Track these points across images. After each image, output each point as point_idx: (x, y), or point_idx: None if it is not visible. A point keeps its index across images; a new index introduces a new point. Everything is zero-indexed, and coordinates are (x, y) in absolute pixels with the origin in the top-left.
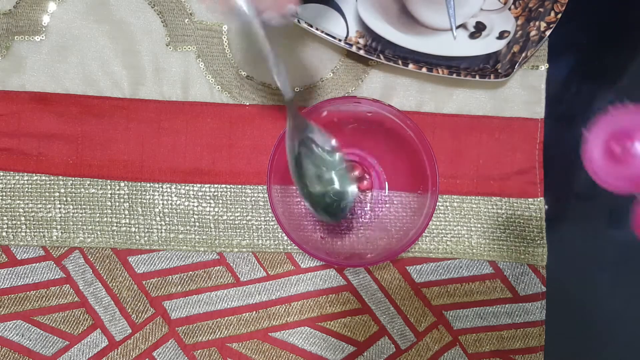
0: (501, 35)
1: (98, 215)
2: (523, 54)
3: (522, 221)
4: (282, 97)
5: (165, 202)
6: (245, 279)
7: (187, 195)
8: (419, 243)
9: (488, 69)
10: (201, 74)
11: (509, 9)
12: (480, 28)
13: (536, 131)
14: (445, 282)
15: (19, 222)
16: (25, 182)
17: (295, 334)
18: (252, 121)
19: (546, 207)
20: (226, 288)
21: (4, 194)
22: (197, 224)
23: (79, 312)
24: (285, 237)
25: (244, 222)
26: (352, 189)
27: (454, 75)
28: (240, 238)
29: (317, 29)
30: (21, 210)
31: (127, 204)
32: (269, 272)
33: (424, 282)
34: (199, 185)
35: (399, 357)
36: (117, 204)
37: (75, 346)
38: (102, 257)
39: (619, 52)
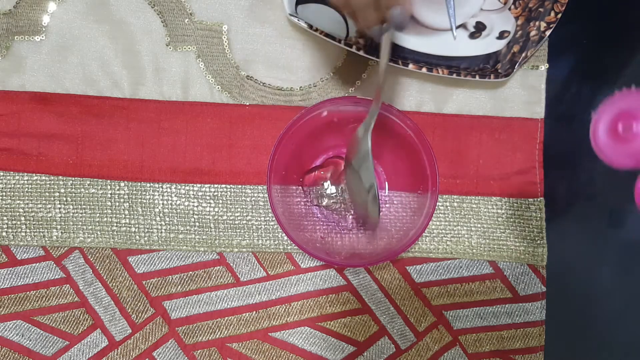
0: (501, 35)
1: (98, 215)
2: (523, 54)
3: (522, 221)
4: (281, 97)
5: (165, 202)
6: (245, 279)
7: (187, 195)
8: (419, 243)
9: (488, 69)
10: (201, 74)
11: (509, 9)
12: (480, 28)
13: (536, 131)
14: (445, 282)
15: (19, 222)
16: (25, 182)
17: (295, 334)
18: (252, 121)
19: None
20: (226, 288)
21: (4, 194)
22: (197, 224)
23: (79, 312)
24: (285, 237)
25: (244, 222)
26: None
27: (454, 75)
28: (240, 238)
29: (317, 29)
30: (21, 210)
31: (127, 204)
32: (269, 272)
33: (424, 282)
34: (199, 185)
35: (399, 357)
36: (117, 204)
37: (75, 346)
38: (102, 257)
39: (619, 52)
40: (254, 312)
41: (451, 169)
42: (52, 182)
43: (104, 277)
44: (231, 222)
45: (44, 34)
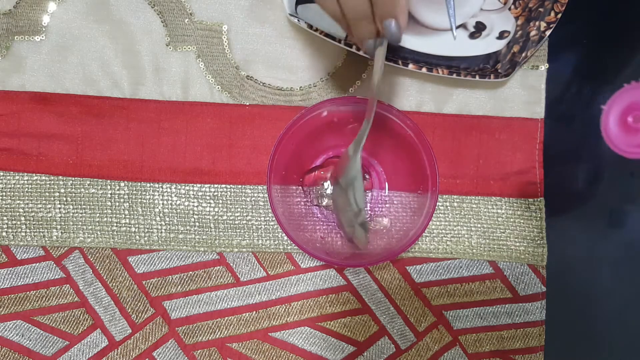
0: (501, 35)
1: (98, 215)
2: (523, 54)
3: (522, 221)
4: (281, 97)
5: (165, 202)
6: (245, 279)
7: (187, 195)
8: (419, 243)
9: (488, 69)
10: (201, 74)
11: (509, 9)
12: (480, 28)
13: (536, 131)
14: (445, 282)
15: (19, 222)
16: (25, 182)
17: (295, 334)
18: (252, 121)
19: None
20: (226, 288)
21: (4, 194)
22: (197, 224)
23: (79, 312)
24: (285, 237)
25: (244, 222)
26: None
27: (454, 75)
28: (240, 238)
29: (317, 30)
30: (21, 210)
31: (127, 204)
32: (269, 272)
33: (424, 282)
34: (199, 185)
35: (399, 357)
36: (117, 204)
37: (75, 346)
38: (102, 257)
39: (619, 52)
40: (254, 312)
41: (451, 169)
42: (52, 182)
43: (104, 277)
44: (231, 222)
45: (44, 34)
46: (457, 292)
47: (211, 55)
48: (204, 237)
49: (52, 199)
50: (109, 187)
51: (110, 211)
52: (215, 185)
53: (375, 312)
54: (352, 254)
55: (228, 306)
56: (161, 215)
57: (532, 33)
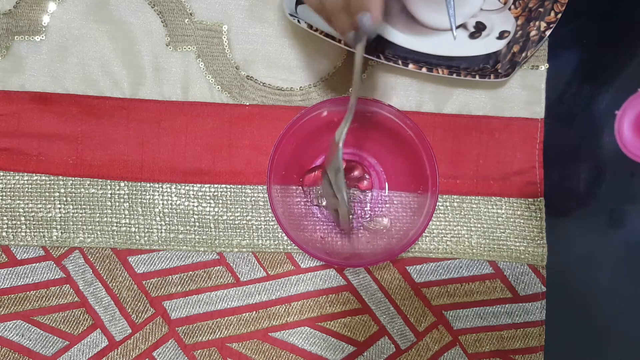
0: (501, 35)
1: (98, 215)
2: (523, 54)
3: (522, 221)
4: (281, 97)
5: (165, 202)
6: (245, 279)
7: (187, 195)
8: (419, 243)
9: (488, 69)
10: (201, 74)
11: (509, 9)
12: (480, 28)
13: (536, 131)
14: (445, 282)
15: (19, 222)
16: (25, 182)
17: (295, 334)
18: (252, 121)
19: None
20: (226, 288)
21: (4, 194)
22: (197, 224)
23: (79, 312)
24: (285, 237)
25: (244, 222)
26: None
27: (454, 75)
28: (240, 238)
29: (317, 30)
30: (21, 210)
31: (127, 204)
32: (269, 272)
33: (424, 282)
34: (199, 185)
35: (399, 357)
36: (117, 204)
37: (75, 346)
38: (102, 257)
39: (619, 52)
40: (254, 312)
41: (451, 169)
42: (52, 182)
43: (104, 277)
44: (231, 222)
45: (44, 34)
46: (457, 292)
47: (211, 55)
48: (204, 237)
49: (52, 199)
50: (109, 187)
51: (110, 211)
52: (215, 185)
53: (375, 312)
54: (352, 254)
55: (228, 306)
56: (161, 215)
57: (532, 33)
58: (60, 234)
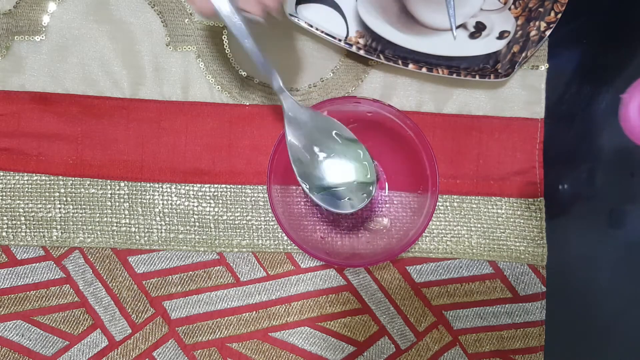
0: (501, 35)
1: (98, 215)
2: (523, 54)
3: (522, 221)
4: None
5: (165, 202)
6: (245, 279)
7: (187, 195)
8: (419, 243)
9: (488, 69)
10: (201, 74)
11: (509, 9)
12: (480, 28)
13: (536, 131)
14: (445, 282)
15: (19, 222)
16: (25, 182)
17: (295, 334)
18: (252, 121)
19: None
20: (226, 288)
21: (4, 194)
22: (197, 224)
23: (79, 312)
24: (285, 237)
25: (244, 222)
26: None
27: (454, 75)
28: (240, 238)
29: (317, 29)
30: (21, 210)
31: (127, 204)
32: (269, 272)
33: (424, 282)
34: (199, 185)
35: (399, 357)
36: (117, 204)
37: (75, 346)
38: (102, 257)
39: (619, 52)
40: (254, 312)
41: (451, 169)
42: (52, 182)
43: (104, 277)
44: (231, 222)
45: (44, 34)
46: (457, 292)
47: (211, 55)
48: (204, 237)
49: (52, 199)
50: (109, 187)
51: (110, 211)
52: (215, 185)
53: (375, 312)
54: (352, 254)
55: (228, 306)
56: (161, 215)
57: (532, 33)
58: (60, 234)
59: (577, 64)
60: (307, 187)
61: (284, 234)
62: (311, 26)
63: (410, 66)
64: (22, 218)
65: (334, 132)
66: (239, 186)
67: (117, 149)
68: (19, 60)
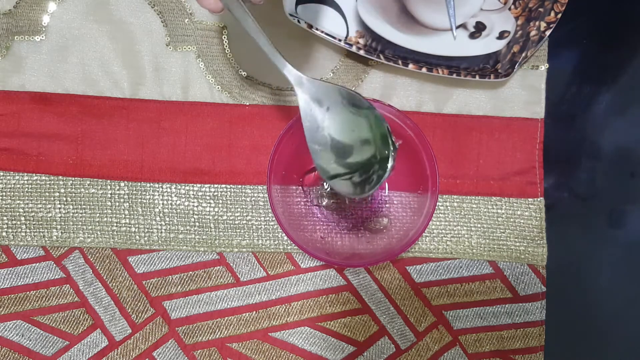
0: (501, 35)
1: (98, 215)
2: (523, 54)
3: (522, 221)
4: (281, 97)
5: (165, 202)
6: (245, 279)
7: (187, 195)
8: (419, 243)
9: (488, 69)
10: (201, 74)
11: (509, 9)
12: (480, 28)
13: (536, 131)
14: (445, 282)
15: (19, 222)
16: (25, 182)
17: (295, 334)
18: (252, 121)
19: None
20: (226, 288)
21: (4, 194)
22: (197, 224)
23: (79, 312)
24: (285, 237)
25: (244, 222)
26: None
27: (454, 75)
28: (240, 238)
29: (317, 29)
30: (21, 210)
31: (127, 204)
32: (269, 272)
33: (424, 282)
34: (199, 185)
35: (399, 357)
36: (117, 204)
37: (75, 346)
38: (102, 257)
39: (619, 52)
40: (254, 312)
41: (451, 169)
42: (52, 182)
43: (104, 277)
44: (231, 222)
45: (44, 34)
46: (457, 292)
47: (211, 55)
48: (204, 237)
49: (52, 199)
50: (109, 187)
51: (110, 211)
52: (215, 185)
53: (375, 312)
54: (352, 254)
55: (228, 306)
56: (161, 215)
57: (532, 33)
58: (60, 234)
59: (577, 64)
60: (328, 173)
61: (284, 234)
62: (311, 26)
63: (410, 66)
64: (22, 218)
65: (350, 102)
66: (239, 186)
67: (117, 149)
68: (19, 60)
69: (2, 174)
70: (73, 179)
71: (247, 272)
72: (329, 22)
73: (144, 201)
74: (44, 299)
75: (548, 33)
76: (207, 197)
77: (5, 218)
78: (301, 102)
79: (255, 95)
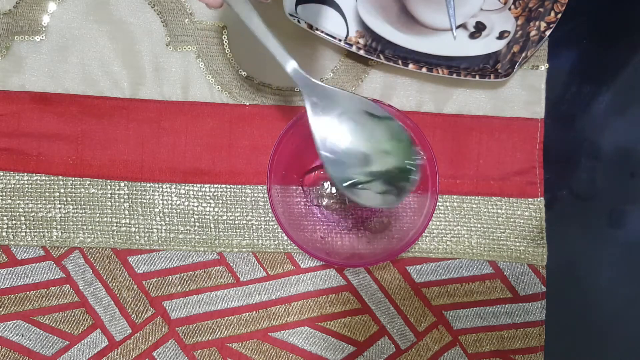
0: (501, 35)
1: (98, 215)
2: (523, 54)
3: (522, 221)
4: (282, 97)
5: (165, 202)
6: (245, 279)
7: (187, 195)
8: (419, 243)
9: (488, 69)
10: (201, 74)
11: (509, 9)
12: (480, 28)
13: (536, 131)
14: (445, 282)
15: (19, 222)
16: (25, 182)
17: (295, 334)
18: (252, 121)
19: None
20: (226, 288)
21: (4, 194)
22: (197, 224)
23: (79, 312)
24: (285, 237)
25: (244, 222)
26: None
27: (454, 75)
28: (240, 238)
29: (317, 29)
30: (21, 210)
31: (127, 204)
32: (269, 272)
33: (424, 282)
34: (199, 185)
35: (399, 357)
36: (117, 204)
37: (75, 346)
38: (102, 257)
39: (619, 52)
40: (254, 312)
41: (451, 169)
42: (52, 182)
43: (104, 277)
44: (231, 222)
45: (44, 34)
46: (457, 292)
47: (211, 55)
48: (204, 237)
49: (52, 199)
50: (109, 187)
51: (110, 211)
52: (215, 185)
53: (375, 312)
54: (352, 254)
55: (228, 306)
56: (161, 215)
57: (532, 33)
58: (60, 234)
59: (577, 64)
60: (344, 183)
61: (284, 234)
62: (311, 26)
63: (410, 66)
64: (22, 218)
65: (366, 111)
66: (239, 186)
67: (117, 149)
68: (19, 60)
69: (2, 174)
70: (73, 179)
71: (247, 272)
72: (329, 22)
73: (144, 201)
74: (44, 299)
75: (548, 33)
76: (207, 197)
77: (5, 218)
78: (308, 107)
79: (255, 95)
